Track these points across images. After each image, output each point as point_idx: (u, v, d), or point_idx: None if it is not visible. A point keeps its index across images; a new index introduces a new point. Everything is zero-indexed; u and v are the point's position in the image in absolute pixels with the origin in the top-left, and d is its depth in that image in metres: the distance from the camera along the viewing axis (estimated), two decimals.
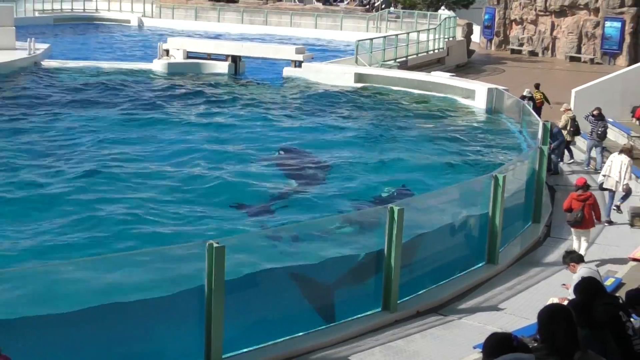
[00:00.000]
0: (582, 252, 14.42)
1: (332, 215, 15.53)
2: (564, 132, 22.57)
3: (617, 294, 10.28)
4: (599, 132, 22.04)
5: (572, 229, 15.39)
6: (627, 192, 17.93)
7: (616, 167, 17.68)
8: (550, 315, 6.22)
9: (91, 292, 10.26)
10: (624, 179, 17.55)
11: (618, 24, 45.99)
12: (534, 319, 6.61)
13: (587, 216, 14.95)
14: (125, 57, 42.91)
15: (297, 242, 12.23)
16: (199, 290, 9.95)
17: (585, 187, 15.28)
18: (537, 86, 28.46)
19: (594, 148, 22.35)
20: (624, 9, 45.73)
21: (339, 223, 13.11)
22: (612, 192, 17.82)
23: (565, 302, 8.54)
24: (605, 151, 23.20)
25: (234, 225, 16.44)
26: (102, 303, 10.15)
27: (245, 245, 11.56)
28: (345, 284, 12.29)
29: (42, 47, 39.42)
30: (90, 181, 19.31)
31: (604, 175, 17.96)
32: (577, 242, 15.29)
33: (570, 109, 23.66)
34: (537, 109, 26.19)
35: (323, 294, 12.00)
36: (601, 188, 18.09)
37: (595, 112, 22.24)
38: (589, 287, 7.96)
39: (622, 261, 14.95)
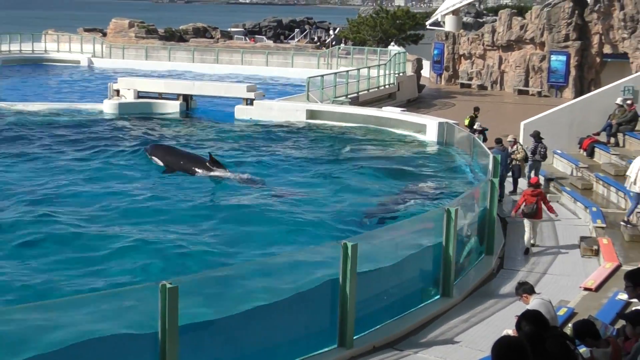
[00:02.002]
0: (533, 239, 18.20)
1: (282, 253, 15.51)
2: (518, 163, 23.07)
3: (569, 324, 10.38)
4: (542, 153, 23.25)
5: (526, 220, 18.21)
6: None
7: (634, 167, 18.70)
8: (503, 353, 6.24)
9: (42, 337, 10.06)
10: (638, 179, 18.46)
11: (563, 58, 46.94)
12: (489, 352, 6.62)
13: (540, 209, 18.18)
14: (75, 98, 42.54)
15: (250, 280, 12.14)
16: (153, 333, 9.82)
17: (537, 185, 19.03)
18: (475, 109, 29.88)
19: (533, 170, 23.36)
20: (569, 43, 46.72)
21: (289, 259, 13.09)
22: (637, 194, 18.69)
23: None
24: (557, 182, 23.64)
25: (186, 266, 16.31)
26: (52, 349, 9.95)
27: (199, 286, 11.44)
28: (301, 320, 12.23)
29: None
30: (36, 223, 19.05)
31: (627, 176, 19.12)
32: (529, 230, 18.19)
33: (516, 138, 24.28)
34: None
35: (278, 332, 11.91)
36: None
37: (533, 134, 23.74)
38: (540, 318, 8.03)
39: (573, 291, 15.13)
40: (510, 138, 23.91)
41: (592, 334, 8.75)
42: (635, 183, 18.48)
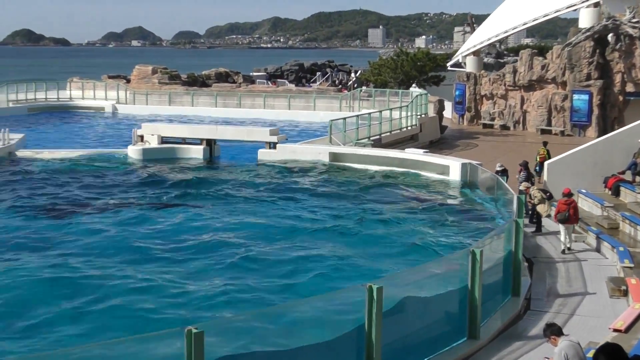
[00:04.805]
0: (569, 242, 21.02)
1: (305, 298, 15.43)
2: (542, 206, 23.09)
3: None
4: (532, 181, 25.73)
5: (561, 225, 21.20)
6: None
7: None
8: None
9: None
10: None
11: (586, 97, 46.87)
12: None
13: (572, 215, 21.04)
14: (100, 145, 43.00)
15: (274, 325, 12.08)
16: None
17: (570, 194, 21.47)
18: (544, 144, 32.44)
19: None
20: (591, 82, 46.67)
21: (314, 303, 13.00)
22: None
23: None
24: (583, 222, 23.48)
25: (211, 312, 16.30)
26: None
27: (224, 330, 11.40)
28: None
29: (17, 137, 39.43)
30: (62, 272, 19.14)
31: None
32: (564, 234, 21.17)
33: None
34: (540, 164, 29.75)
35: None
36: None
37: (522, 164, 26.76)
38: (619, 354, 7.61)
39: (603, 332, 14.92)
40: (524, 186, 24.40)
41: None
42: None
